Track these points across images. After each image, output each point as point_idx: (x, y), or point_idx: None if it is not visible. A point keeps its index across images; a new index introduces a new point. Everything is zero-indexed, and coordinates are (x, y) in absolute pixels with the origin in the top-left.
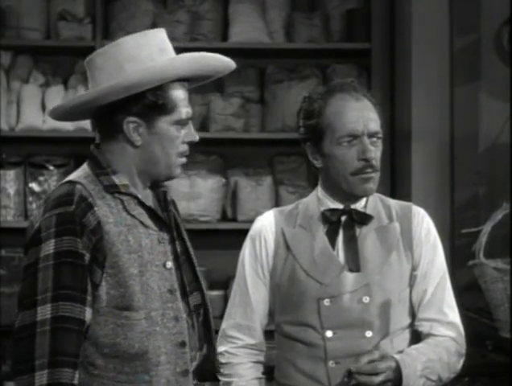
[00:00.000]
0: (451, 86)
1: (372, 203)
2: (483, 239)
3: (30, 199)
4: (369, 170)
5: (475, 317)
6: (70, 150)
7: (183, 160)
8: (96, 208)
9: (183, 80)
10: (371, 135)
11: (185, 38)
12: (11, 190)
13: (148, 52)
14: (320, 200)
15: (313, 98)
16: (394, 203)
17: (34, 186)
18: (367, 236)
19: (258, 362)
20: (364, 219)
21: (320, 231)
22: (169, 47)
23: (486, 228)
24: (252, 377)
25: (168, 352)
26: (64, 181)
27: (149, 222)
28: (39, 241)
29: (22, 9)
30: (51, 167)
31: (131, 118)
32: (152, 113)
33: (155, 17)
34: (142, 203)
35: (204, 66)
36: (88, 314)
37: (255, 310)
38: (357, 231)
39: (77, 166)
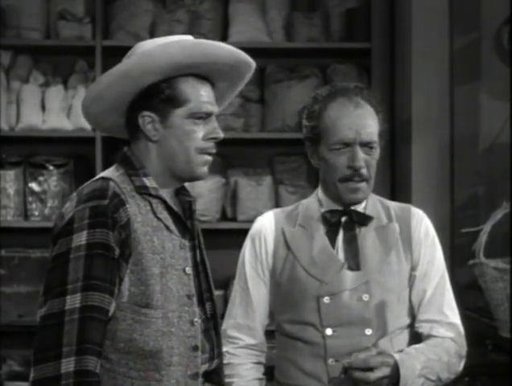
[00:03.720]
0: (451, 86)
1: (371, 204)
2: (483, 238)
3: (30, 199)
4: (356, 178)
5: (475, 316)
6: (70, 150)
7: (207, 158)
8: (127, 205)
9: (200, 76)
10: (364, 144)
11: None
12: (11, 190)
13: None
14: (320, 201)
15: (316, 99)
16: (393, 204)
17: (34, 186)
18: (367, 236)
19: (258, 363)
20: (364, 219)
21: (320, 230)
22: None
23: (486, 228)
24: (253, 378)
25: (181, 354)
26: (97, 177)
27: (173, 227)
28: (70, 232)
29: (22, 8)
30: (51, 167)
31: (145, 113)
32: (165, 107)
33: (155, 16)
34: (168, 208)
35: (203, 52)
36: (113, 306)
37: (256, 310)
38: (357, 230)
39: (77, 166)
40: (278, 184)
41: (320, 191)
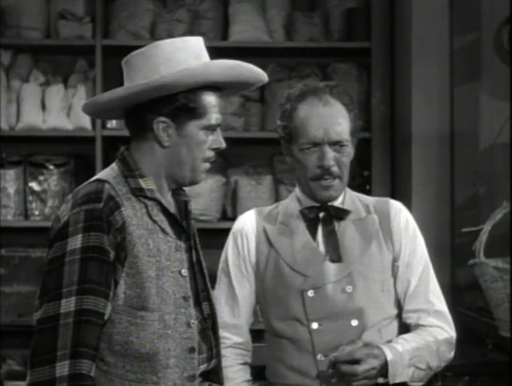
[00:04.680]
0: (451, 86)
1: (349, 199)
2: (483, 238)
3: (30, 198)
4: (327, 176)
5: (475, 316)
6: (70, 150)
7: (208, 166)
8: (122, 208)
9: (215, 87)
10: (333, 143)
11: None
12: (11, 190)
13: (184, 57)
14: (298, 199)
15: (288, 99)
16: (370, 199)
17: (34, 185)
18: (346, 229)
19: (245, 363)
20: (342, 214)
21: (301, 227)
22: (205, 54)
23: (486, 227)
24: (241, 380)
25: (178, 356)
26: (92, 179)
27: (169, 229)
28: (65, 235)
29: (23, 8)
30: (51, 167)
31: (162, 118)
32: (183, 116)
33: (155, 16)
34: (164, 210)
35: (238, 75)
36: (108, 309)
37: (242, 308)
38: (336, 225)
39: (77, 165)
40: (279, 183)
41: (297, 190)
